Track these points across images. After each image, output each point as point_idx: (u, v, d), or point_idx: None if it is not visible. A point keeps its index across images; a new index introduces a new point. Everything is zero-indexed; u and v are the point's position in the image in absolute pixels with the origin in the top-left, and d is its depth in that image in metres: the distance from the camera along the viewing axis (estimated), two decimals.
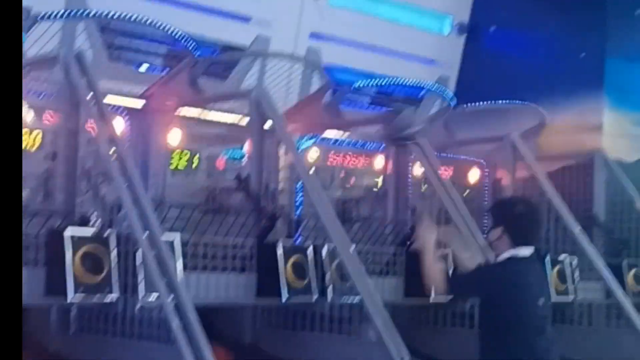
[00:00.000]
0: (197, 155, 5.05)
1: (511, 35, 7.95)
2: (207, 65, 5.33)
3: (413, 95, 7.30)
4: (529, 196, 5.80)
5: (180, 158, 5.02)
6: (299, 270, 4.34)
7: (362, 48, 7.52)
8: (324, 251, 4.44)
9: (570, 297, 5.79)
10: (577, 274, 5.90)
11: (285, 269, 4.27)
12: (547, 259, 5.65)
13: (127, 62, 6.03)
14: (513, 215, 3.67)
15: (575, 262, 5.88)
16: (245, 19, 6.83)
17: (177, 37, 5.02)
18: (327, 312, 4.52)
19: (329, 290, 4.41)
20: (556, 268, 5.78)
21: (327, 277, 4.41)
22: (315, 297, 4.40)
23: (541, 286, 3.71)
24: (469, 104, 6.91)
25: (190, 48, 5.02)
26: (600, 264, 5.77)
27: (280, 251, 4.30)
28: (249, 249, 4.36)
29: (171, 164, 4.96)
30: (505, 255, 3.62)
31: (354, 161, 5.91)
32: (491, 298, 3.59)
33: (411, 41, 7.80)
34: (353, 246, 4.41)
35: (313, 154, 5.61)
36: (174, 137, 4.95)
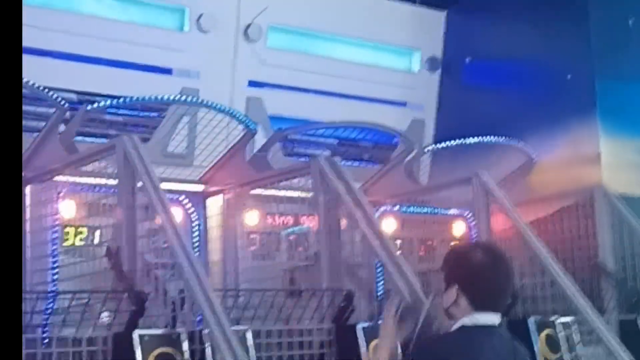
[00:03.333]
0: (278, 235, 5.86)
1: (490, 65, 8.47)
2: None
3: (384, 141, 8.06)
4: (491, 243, 5.36)
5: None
6: None
7: (315, 94, 7.83)
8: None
9: None
10: (577, 337, 5.77)
11: (368, 354, 4.71)
12: (532, 321, 5.63)
13: None
14: (471, 270, 3.23)
15: (573, 323, 5.78)
16: (167, 71, 7.13)
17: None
18: None
19: None
20: (545, 332, 5.65)
21: None
22: None
23: None
24: (433, 146, 7.64)
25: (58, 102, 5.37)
26: (600, 324, 5.54)
27: (360, 334, 4.82)
28: (326, 334, 4.90)
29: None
30: (460, 323, 3.20)
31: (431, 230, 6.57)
32: None
33: (374, 83, 8.20)
34: None
35: (390, 224, 6.21)
36: (252, 218, 5.73)
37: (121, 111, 6.56)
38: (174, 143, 6.73)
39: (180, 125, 6.73)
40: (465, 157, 7.32)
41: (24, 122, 5.85)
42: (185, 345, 4.20)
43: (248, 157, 6.43)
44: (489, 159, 7.14)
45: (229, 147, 6.34)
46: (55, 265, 5.54)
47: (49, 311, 4.98)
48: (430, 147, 7.35)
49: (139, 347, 4.07)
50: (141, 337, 4.10)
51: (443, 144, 7.20)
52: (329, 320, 5.18)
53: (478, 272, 3.24)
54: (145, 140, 6.55)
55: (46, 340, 4.51)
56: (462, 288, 3.24)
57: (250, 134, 6.18)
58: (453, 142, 7.21)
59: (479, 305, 3.22)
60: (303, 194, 6.02)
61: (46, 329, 4.93)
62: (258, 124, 6.75)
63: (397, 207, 7.07)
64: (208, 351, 4.15)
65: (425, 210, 7.34)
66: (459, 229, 7.55)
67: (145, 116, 6.79)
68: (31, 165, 5.61)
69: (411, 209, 7.25)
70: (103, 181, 5.07)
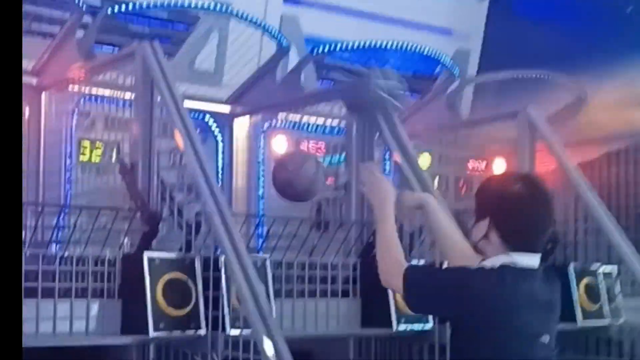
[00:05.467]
0: None
1: None
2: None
3: (425, 71, 7.74)
4: (532, 174, 5.49)
5: None
6: None
7: (354, 16, 7.51)
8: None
9: (606, 321, 5.40)
10: (617, 288, 5.57)
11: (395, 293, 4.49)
12: (571, 269, 5.44)
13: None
14: (506, 201, 2.91)
15: (614, 272, 5.57)
16: None
17: None
18: None
19: None
20: (584, 281, 5.44)
21: None
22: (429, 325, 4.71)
23: (548, 315, 2.99)
24: (477, 77, 7.31)
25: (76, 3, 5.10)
26: None
27: None
28: (351, 270, 4.68)
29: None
30: (497, 261, 2.91)
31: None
32: (470, 321, 2.89)
33: (419, 7, 7.90)
34: None
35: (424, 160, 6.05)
36: (280, 143, 5.58)
37: (147, 22, 6.27)
38: (202, 59, 6.46)
39: (209, 41, 6.45)
40: (510, 91, 7.00)
41: (38, 26, 5.70)
42: (198, 272, 3.97)
43: (279, 79, 6.12)
44: (537, 95, 6.83)
45: (260, 66, 6.03)
46: (69, 179, 5.36)
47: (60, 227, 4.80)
48: (475, 78, 6.95)
49: (148, 271, 3.84)
50: (151, 259, 3.88)
51: (488, 76, 6.82)
52: (355, 255, 4.92)
53: (513, 204, 2.91)
54: (171, 55, 6.31)
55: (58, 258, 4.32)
56: (494, 221, 2.92)
57: (282, 52, 5.86)
58: (499, 74, 6.84)
59: (512, 242, 2.91)
60: (336, 122, 5.75)
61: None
62: (291, 44, 6.48)
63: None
64: (224, 278, 3.91)
65: None
66: (499, 167, 7.29)
67: (172, 29, 6.50)
68: (46, 72, 5.37)
69: None
70: (122, 93, 4.78)
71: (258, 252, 5.17)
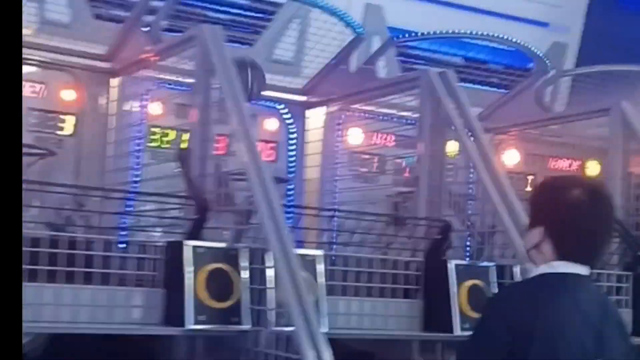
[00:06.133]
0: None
1: None
2: None
3: (518, 65, 7.42)
4: (594, 180, 5.20)
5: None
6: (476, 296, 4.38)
7: (443, 6, 7.29)
8: (516, 271, 4.46)
9: None
10: None
11: (458, 295, 4.36)
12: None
13: None
14: (562, 209, 2.70)
15: None
16: None
17: None
18: None
19: None
20: None
21: None
22: None
23: (599, 328, 2.66)
24: (569, 71, 6.91)
25: None
26: None
27: (452, 273, 4.39)
28: (414, 268, 4.50)
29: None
30: (539, 270, 2.73)
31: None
32: (498, 340, 2.64)
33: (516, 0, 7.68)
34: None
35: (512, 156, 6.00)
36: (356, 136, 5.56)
37: (223, 9, 6.19)
38: (283, 49, 6.34)
39: (289, 31, 6.32)
40: (611, 88, 6.66)
41: (107, 10, 5.68)
42: (244, 264, 3.82)
43: (355, 69, 5.93)
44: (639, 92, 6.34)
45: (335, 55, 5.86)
46: (138, 165, 5.32)
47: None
48: (567, 72, 6.60)
49: (191, 260, 3.72)
50: (194, 248, 3.75)
51: (582, 69, 6.49)
52: (421, 254, 4.72)
53: (570, 212, 2.69)
54: (248, 44, 6.22)
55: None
56: (549, 230, 2.72)
57: (357, 40, 5.66)
58: (595, 68, 6.49)
59: (566, 253, 2.70)
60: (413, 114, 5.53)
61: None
62: (374, 35, 6.28)
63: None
64: (269, 272, 3.75)
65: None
66: (593, 168, 6.93)
67: (250, 16, 6.40)
68: (117, 57, 5.36)
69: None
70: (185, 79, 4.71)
71: (331, 246, 5.05)
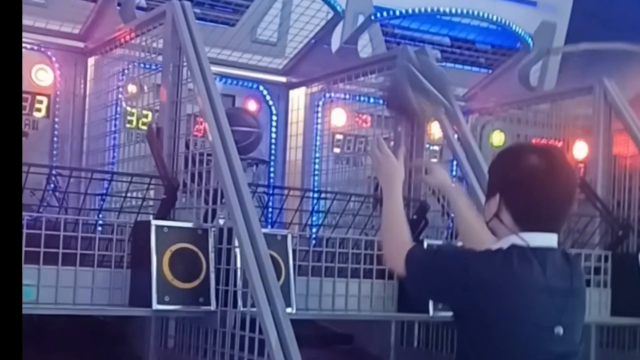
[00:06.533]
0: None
1: None
2: None
3: (507, 45, 7.33)
4: (550, 146, 4.87)
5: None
6: None
7: None
8: None
9: None
10: None
11: None
12: None
13: None
14: (517, 175, 2.65)
15: None
16: None
17: None
18: None
19: None
20: None
21: None
22: None
23: (565, 303, 2.64)
24: (553, 48, 6.81)
25: None
26: None
27: None
28: None
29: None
30: (506, 243, 2.66)
31: None
32: (472, 309, 2.61)
33: None
34: None
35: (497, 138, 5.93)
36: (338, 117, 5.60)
37: None
38: (266, 30, 6.25)
39: (272, 11, 6.23)
40: (600, 67, 6.57)
41: None
42: (211, 244, 3.76)
43: (336, 49, 5.85)
44: (628, 71, 6.30)
45: (314, 34, 5.78)
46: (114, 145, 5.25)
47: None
48: (550, 50, 6.51)
49: (155, 240, 3.66)
50: (159, 228, 3.69)
51: (565, 48, 6.38)
52: None
53: (525, 177, 2.64)
54: (230, 24, 6.13)
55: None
56: (505, 198, 2.67)
57: (336, 18, 5.58)
58: (580, 46, 6.40)
59: (524, 221, 2.64)
60: None
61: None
62: (360, 14, 6.18)
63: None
64: (236, 252, 3.69)
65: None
66: (581, 151, 6.83)
67: None
68: (92, 37, 5.28)
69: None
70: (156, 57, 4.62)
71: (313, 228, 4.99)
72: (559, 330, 2.62)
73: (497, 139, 6.70)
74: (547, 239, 2.68)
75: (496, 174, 2.77)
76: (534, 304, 2.62)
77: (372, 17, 5.80)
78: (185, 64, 4.20)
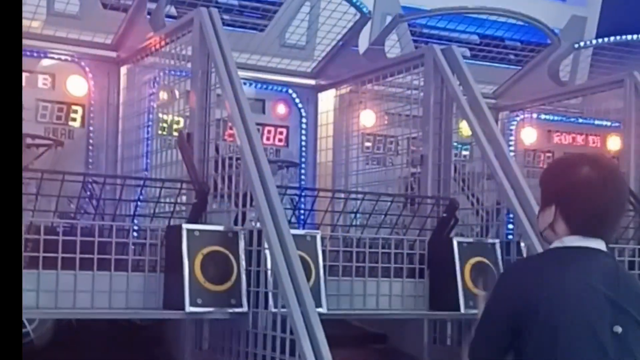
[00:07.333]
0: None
1: None
2: None
3: (536, 41, 7.30)
4: (602, 156, 5.05)
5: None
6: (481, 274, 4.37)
7: None
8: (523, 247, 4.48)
9: None
10: None
11: (463, 273, 4.36)
12: None
13: None
14: (572, 186, 2.72)
15: None
16: None
17: None
18: None
19: None
20: None
21: None
22: None
23: (613, 299, 2.64)
24: (582, 43, 6.78)
25: None
26: None
27: (456, 250, 4.39)
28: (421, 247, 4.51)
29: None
30: (551, 246, 2.77)
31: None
32: (501, 327, 2.67)
33: None
34: None
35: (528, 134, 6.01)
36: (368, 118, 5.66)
37: None
38: (294, 33, 6.32)
39: (300, 15, 6.30)
40: (630, 60, 6.56)
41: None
42: (242, 246, 3.83)
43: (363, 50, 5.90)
44: None
45: (342, 36, 5.83)
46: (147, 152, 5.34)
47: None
48: (580, 43, 6.48)
49: (186, 243, 3.73)
50: (190, 231, 3.76)
51: (595, 41, 6.36)
52: (428, 233, 4.70)
53: (580, 188, 2.73)
54: (259, 29, 6.20)
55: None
56: (560, 207, 2.75)
57: (363, 20, 5.62)
58: (611, 39, 6.39)
59: (578, 227, 2.73)
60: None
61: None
62: (387, 15, 6.23)
63: (536, 115, 6.41)
64: (266, 253, 3.75)
65: (571, 119, 6.65)
66: (614, 143, 6.81)
67: (261, 1, 6.38)
68: (124, 46, 5.38)
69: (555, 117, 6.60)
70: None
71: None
72: (617, 329, 2.63)
73: (528, 135, 6.70)
74: (590, 242, 2.74)
75: (551, 185, 2.84)
76: (580, 302, 2.64)
77: (399, 16, 5.83)
78: (213, 69, 4.28)
